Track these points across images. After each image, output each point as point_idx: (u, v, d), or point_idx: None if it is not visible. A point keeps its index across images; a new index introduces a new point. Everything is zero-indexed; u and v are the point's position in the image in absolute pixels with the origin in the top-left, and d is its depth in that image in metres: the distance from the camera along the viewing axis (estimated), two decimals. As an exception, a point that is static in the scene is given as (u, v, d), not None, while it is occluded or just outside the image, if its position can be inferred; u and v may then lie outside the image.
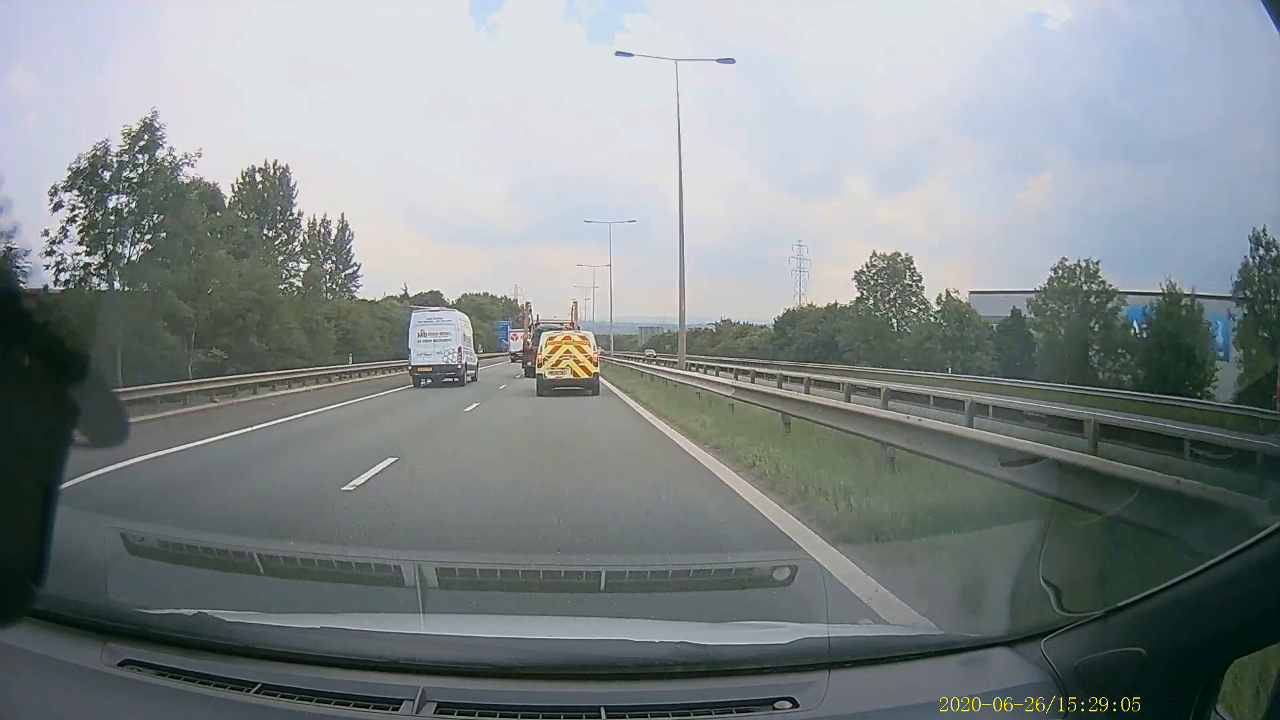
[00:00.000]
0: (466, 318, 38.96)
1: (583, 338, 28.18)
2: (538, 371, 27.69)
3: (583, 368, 27.15)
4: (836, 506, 7.19)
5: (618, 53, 38.69)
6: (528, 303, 51.78)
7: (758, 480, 9.05)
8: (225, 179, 41.87)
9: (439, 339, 34.16)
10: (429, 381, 32.42)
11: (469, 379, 33.99)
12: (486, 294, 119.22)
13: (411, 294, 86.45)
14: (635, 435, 14.43)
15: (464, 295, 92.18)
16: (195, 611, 2.64)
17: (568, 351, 27.30)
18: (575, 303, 50.25)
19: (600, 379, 28.27)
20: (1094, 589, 3.57)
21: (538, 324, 40.78)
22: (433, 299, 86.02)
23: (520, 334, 50.10)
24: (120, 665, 2.42)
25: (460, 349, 34.18)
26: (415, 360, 33.74)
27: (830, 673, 2.35)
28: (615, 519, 7.17)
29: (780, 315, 53.83)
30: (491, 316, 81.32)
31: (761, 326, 63.41)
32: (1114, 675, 2.05)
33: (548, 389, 26.49)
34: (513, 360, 52.35)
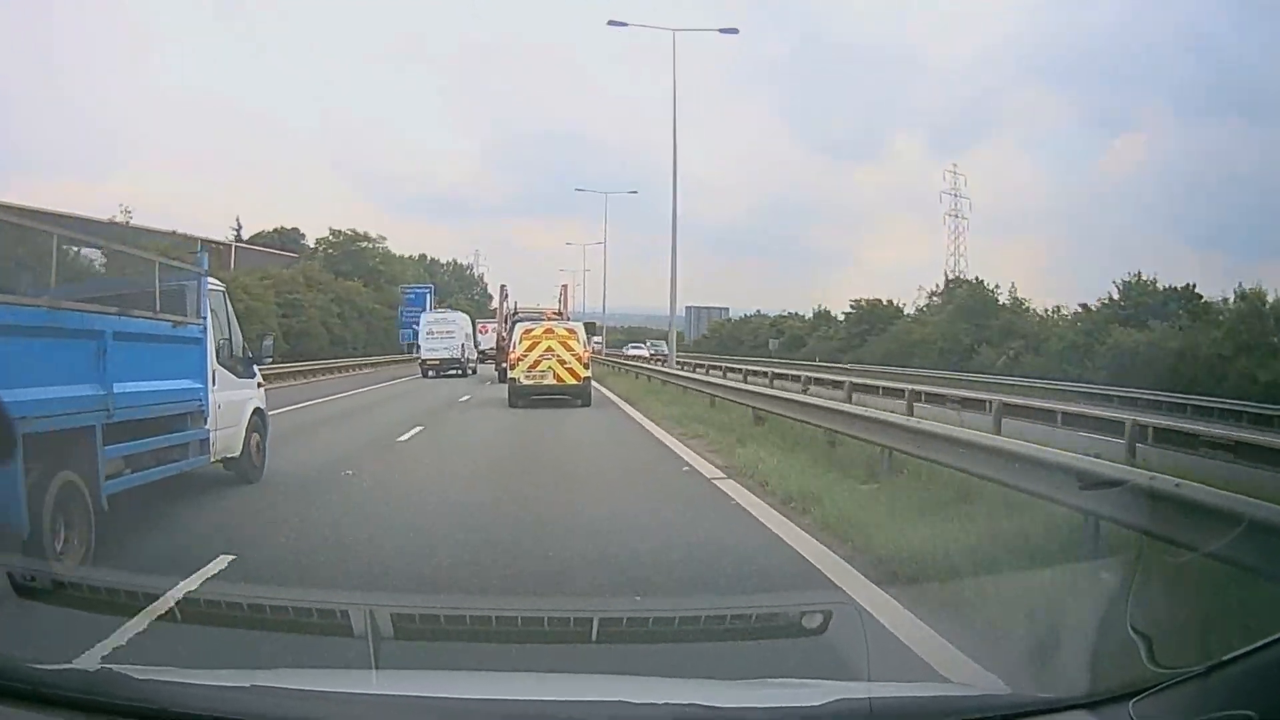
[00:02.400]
0: (468, 318, 47.49)
1: (570, 331, 23.21)
2: (510, 375, 23.02)
3: (569, 370, 22.27)
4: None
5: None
6: (503, 286, 44.23)
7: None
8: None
9: (445, 336, 43.27)
10: (434, 374, 40.85)
11: (470, 371, 43.45)
12: (426, 257, 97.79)
13: (249, 236, 63.75)
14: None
15: (330, 231, 68.15)
16: (99, 666, 2.49)
17: (550, 349, 22.33)
18: (565, 286, 43.68)
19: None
20: (1194, 640, 3.46)
21: (515, 313, 36.68)
22: (285, 239, 67.03)
23: (492, 326, 46.71)
24: None
25: (463, 345, 43.07)
26: (425, 355, 43.63)
27: None
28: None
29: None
30: (397, 280, 65.73)
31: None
32: None
33: (523, 398, 21.94)
34: (482, 360, 48.85)
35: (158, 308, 8.30)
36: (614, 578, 5.79)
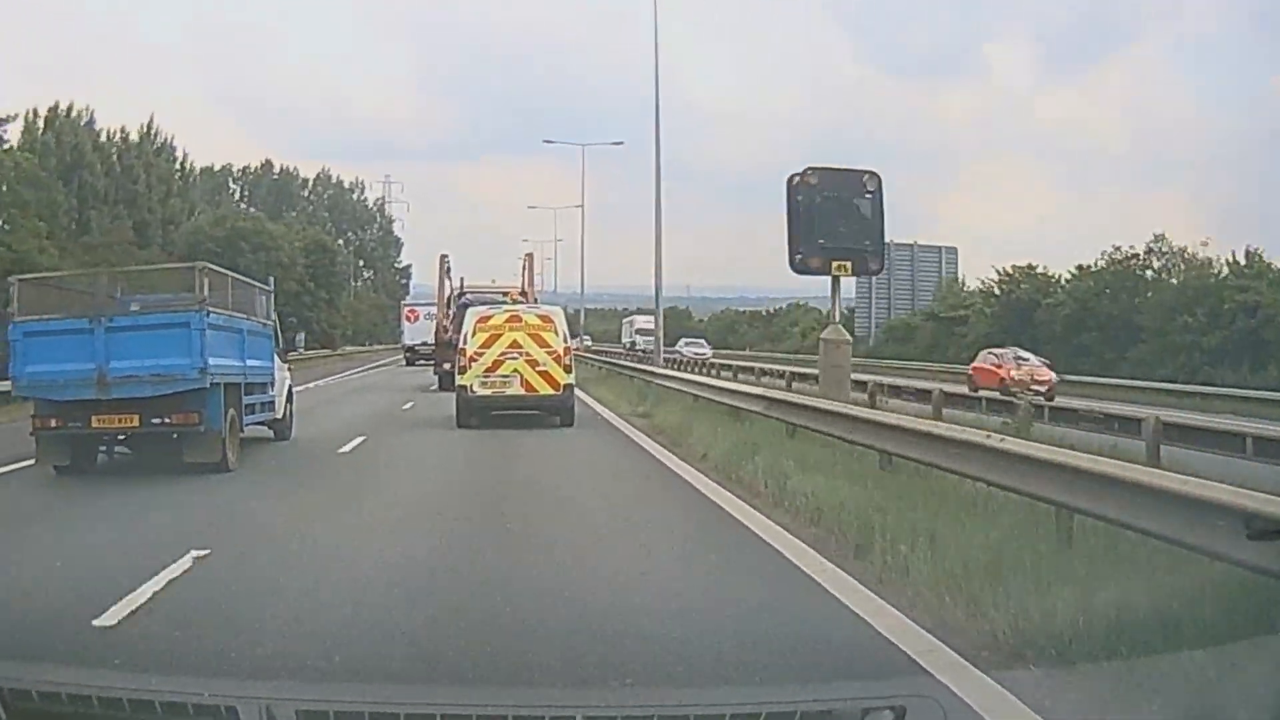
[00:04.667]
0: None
1: (544, 319, 18.28)
2: (460, 382, 17.83)
3: (544, 375, 17.47)
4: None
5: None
6: (444, 257, 33.65)
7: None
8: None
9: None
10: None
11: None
12: (274, 165, 79.25)
13: None
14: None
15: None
16: None
17: (515, 345, 17.51)
18: (530, 256, 34.83)
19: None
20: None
21: (462, 294, 29.10)
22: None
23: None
24: None
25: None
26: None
27: None
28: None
29: None
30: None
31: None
32: None
33: (477, 414, 17.39)
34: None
35: (256, 312, 14.36)
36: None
